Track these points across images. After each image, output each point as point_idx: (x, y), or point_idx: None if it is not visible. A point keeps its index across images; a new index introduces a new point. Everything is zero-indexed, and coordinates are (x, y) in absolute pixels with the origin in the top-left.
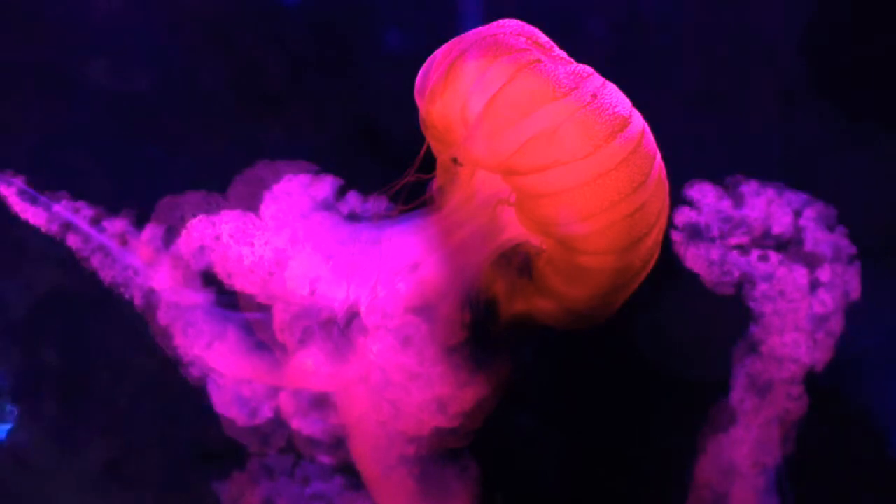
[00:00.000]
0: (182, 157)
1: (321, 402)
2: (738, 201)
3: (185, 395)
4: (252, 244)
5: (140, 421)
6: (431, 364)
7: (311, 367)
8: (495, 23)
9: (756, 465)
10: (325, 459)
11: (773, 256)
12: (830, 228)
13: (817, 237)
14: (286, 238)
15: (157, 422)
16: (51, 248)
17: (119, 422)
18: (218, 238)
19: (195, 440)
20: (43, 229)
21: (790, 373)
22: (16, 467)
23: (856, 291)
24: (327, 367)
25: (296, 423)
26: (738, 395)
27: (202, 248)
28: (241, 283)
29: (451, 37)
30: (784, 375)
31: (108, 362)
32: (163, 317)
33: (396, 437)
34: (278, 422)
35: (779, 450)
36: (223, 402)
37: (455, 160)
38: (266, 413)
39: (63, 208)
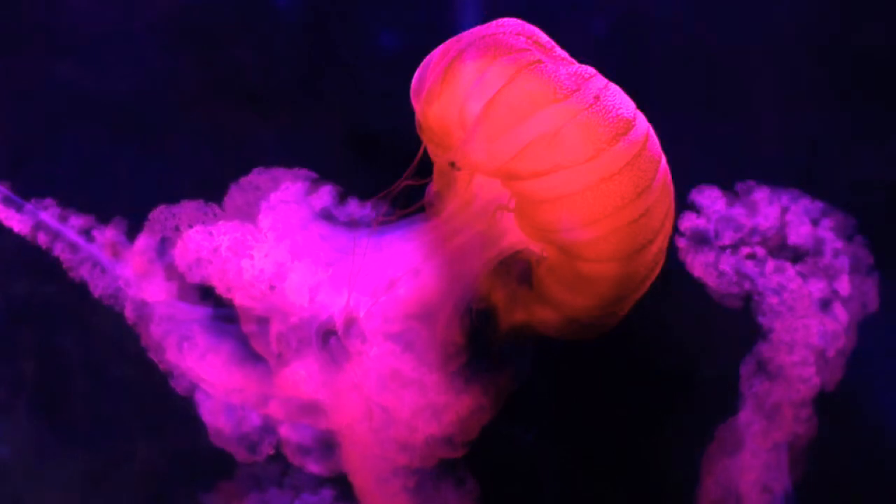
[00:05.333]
0: (177, 162)
1: (311, 409)
2: (746, 207)
3: (169, 404)
4: (251, 256)
5: (122, 432)
6: (427, 371)
7: (304, 375)
8: (494, 22)
9: (764, 491)
10: (314, 468)
11: (783, 266)
12: (847, 238)
13: (829, 246)
14: (285, 249)
15: (141, 433)
16: (24, 255)
17: (101, 434)
18: (216, 250)
19: (180, 451)
20: (28, 238)
21: (799, 394)
22: None
23: (873, 303)
24: (320, 375)
25: (284, 431)
26: (746, 417)
27: (198, 260)
28: (239, 297)
29: (449, 37)
30: (793, 396)
31: (88, 372)
32: (156, 330)
33: (389, 446)
34: (267, 429)
35: (787, 475)
36: (210, 411)
37: (453, 164)
38: (254, 420)
39: (50, 217)
